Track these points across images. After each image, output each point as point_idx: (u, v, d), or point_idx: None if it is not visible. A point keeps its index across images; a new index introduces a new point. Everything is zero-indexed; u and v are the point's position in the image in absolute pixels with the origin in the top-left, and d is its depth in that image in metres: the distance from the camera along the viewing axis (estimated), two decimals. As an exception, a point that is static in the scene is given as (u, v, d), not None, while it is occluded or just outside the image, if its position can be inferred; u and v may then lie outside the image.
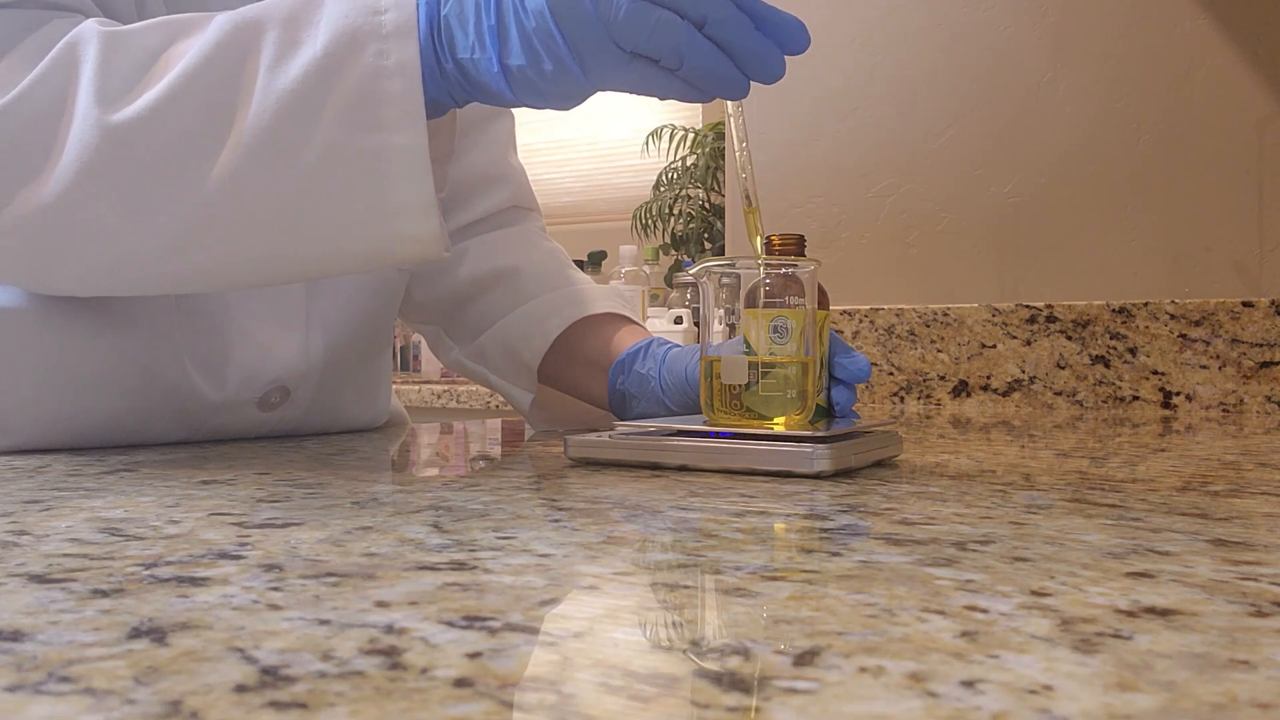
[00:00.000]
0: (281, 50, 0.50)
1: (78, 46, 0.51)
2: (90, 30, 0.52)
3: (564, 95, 0.50)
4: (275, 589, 0.26)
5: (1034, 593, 0.25)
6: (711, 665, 0.20)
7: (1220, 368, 1.20)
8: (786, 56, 0.50)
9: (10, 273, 0.57)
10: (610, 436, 0.54)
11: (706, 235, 2.28)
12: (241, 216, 0.51)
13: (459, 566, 0.28)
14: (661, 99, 0.50)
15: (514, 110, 0.90)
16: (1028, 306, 1.29)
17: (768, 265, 0.55)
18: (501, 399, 1.39)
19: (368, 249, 0.53)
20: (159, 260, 0.53)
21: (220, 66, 0.50)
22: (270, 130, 0.49)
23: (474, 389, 1.92)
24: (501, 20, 0.48)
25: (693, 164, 2.32)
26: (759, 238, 0.54)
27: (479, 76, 0.50)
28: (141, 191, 0.50)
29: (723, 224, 2.14)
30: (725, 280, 0.55)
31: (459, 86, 0.51)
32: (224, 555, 0.30)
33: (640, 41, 0.47)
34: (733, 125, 0.54)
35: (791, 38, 0.49)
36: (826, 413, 0.61)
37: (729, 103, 0.54)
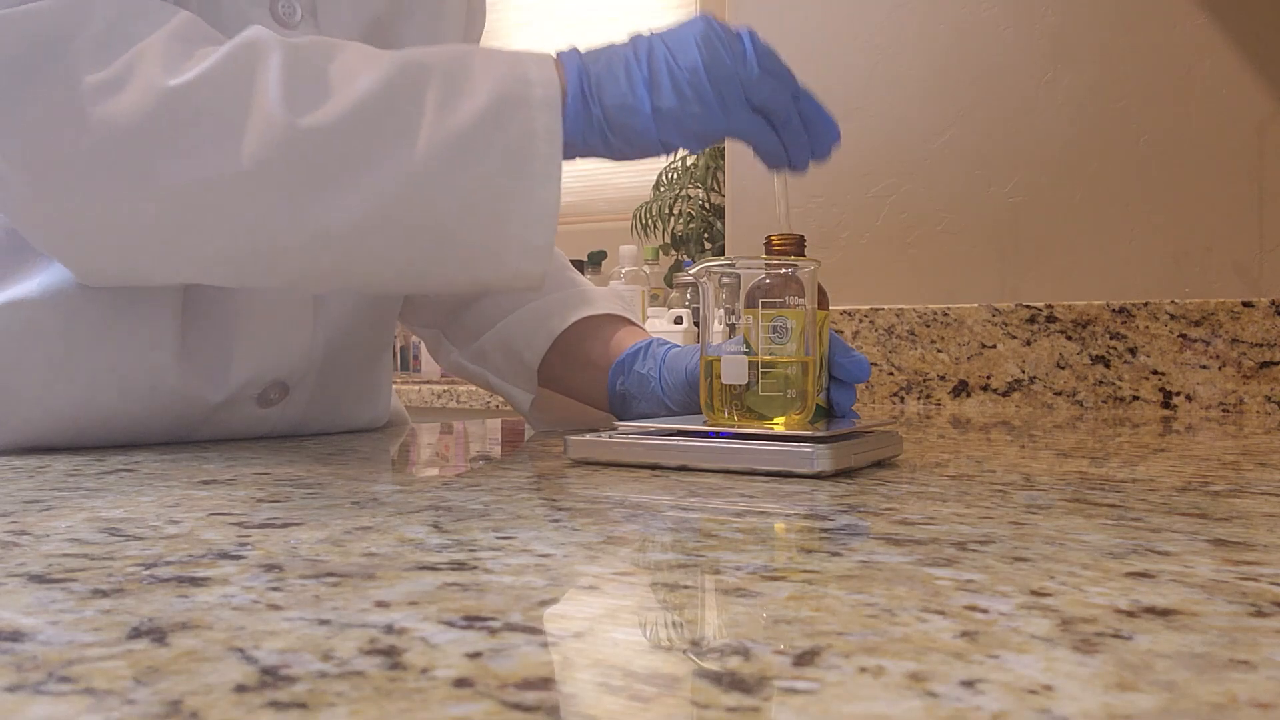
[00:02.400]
0: (446, 96, 0.56)
1: (258, 47, 0.54)
2: (270, 36, 0.55)
3: (701, 134, 0.58)
4: (275, 589, 0.26)
5: (1034, 593, 0.25)
6: (711, 665, 0.20)
7: (1220, 368, 1.20)
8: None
9: (144, 249, 0.57)
10: (610, 436, 0.54)
11: (706, 235, 2.28)
12: (392, 231, 0.56)
13: (459, 566, 0.28)
14: (758, 152, 0.60)
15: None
16: (1028, 306, 1.29)
17: (768, 265, 0.55)
18: (502, 399, 1.39)
19: (486, 276, 0.60)
20: (299, 257, 0.56)
21: (398, 95, 0.55)
22: (436, 161, 0.55)
23: (474, 389, 1.92)
24: (654, 74, 0.57)
25: (693, 164, 2.32)
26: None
27: (627, 118, 0.58)
28: (306, 194, 0.54)
29: (722, 224, 2.14)
30: (725, 280, 0.55)
31: (599, 129, 0.58)
32: (224, 555, 0.30)
33: (764, 97, 0.58)
34: (779, 195, 0.65)
35: (834, 131, 0.61)
36: (826, 413, 0.61)
37: (778, 175, 0.63)
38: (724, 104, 0.57)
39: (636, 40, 0.59)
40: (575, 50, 0.60)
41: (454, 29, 0.78)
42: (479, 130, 0.56)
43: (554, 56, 0.59)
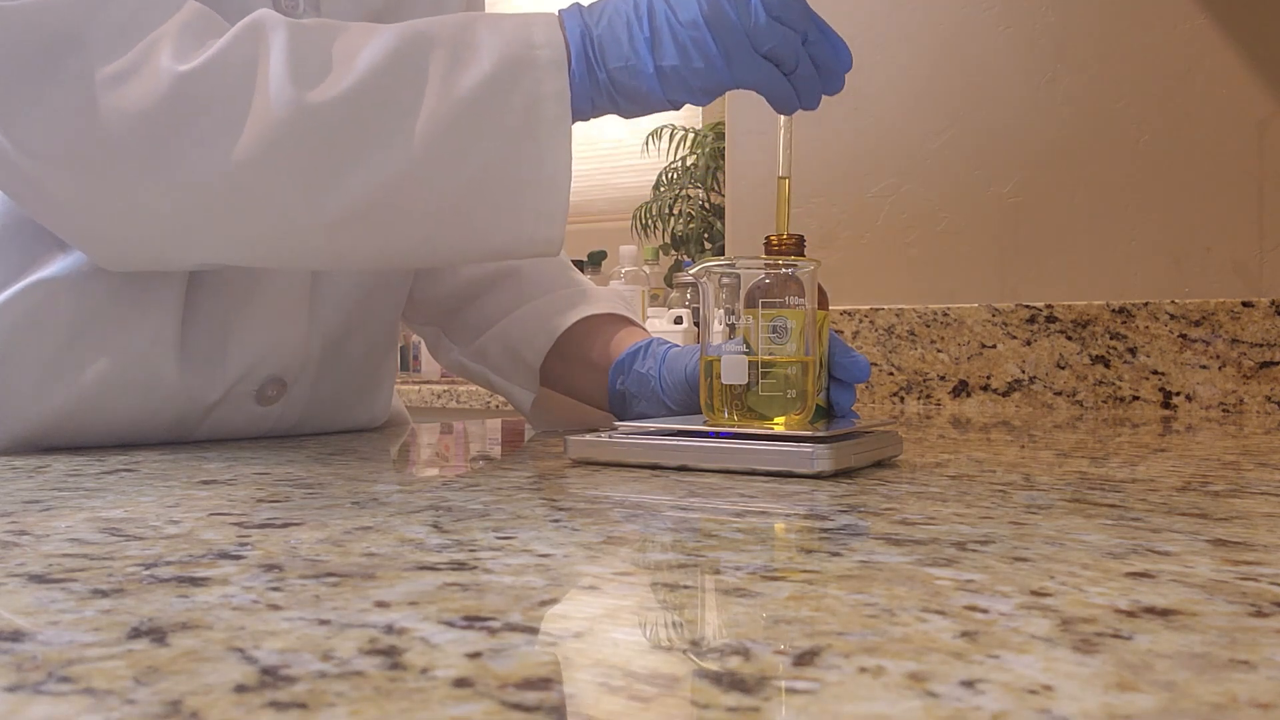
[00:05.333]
0: (451, 64, 0.56)
1: (262, 28, 0.55)
2: (274, 16, 0.56)
3: (706, 89, 0.58)
4: (275, 589, 0.26)
5: (1034, 593, 0.25)
6: (711, 665, 0.20)
7: (1220, 368, 1.20)
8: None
9: (168, 235, 0.57)
10: (610, 436, 0.54)
11: (706, 235, 2.28)
12: (406, 204, 0.56)
13: (459, 566, 0.28)
14: (770, 99, 0.59)
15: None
16: (1028, 306, 1.29)
17: (768, 265, 0.55)
18: (502, 399, 1.39)
19: (502, 245, 0.60)
20: (322, 236, 0.56)
21: (404, 65, 0.55)
22: (445, 130, 0.55)
23: (474, 389, 1.92)
24: (656, 33, 0.57)
25: (693, 164, 2.32)
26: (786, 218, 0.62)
27: (631, 80, 0.58)
28: (323, 170, 0.54)
29: (722, 224, 2.14)
30: (725, 280, 0.55)
31: (606, 93, 0.58)
32: (224, 555, 0.30)
33: (772, 45, 0.57)
34: (782, 131, 0.63)
35: (846, 56, 0.60)
36: (826, 413, 0.61)
37: (785, 120, 0.63)
38: (728, 57, 0.56)
39: None
40: (577, 7, 0.59)
41: None
42: (485, 96, 0.56)
43: (558, 15, 0.59)
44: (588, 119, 0.60)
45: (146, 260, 0.59)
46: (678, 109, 0.60)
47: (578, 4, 0.60)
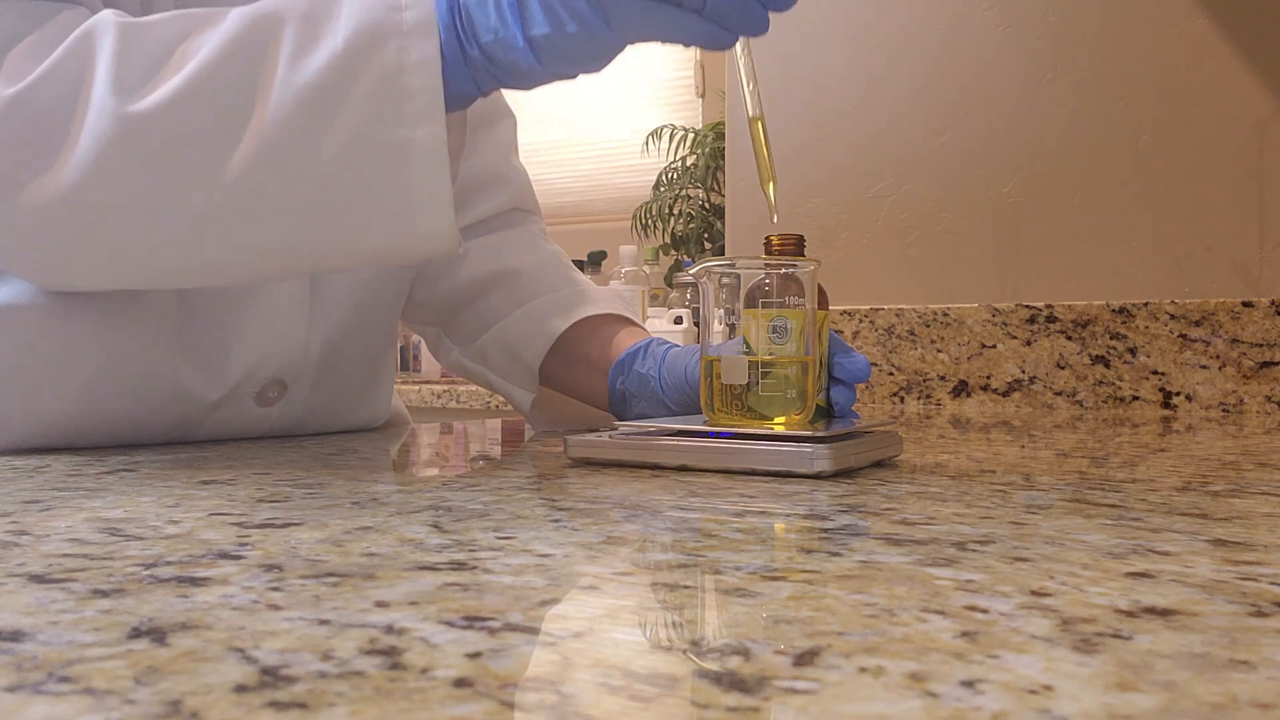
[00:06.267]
0: (301, 44, 0.50)
1: (93, 36, 0.51)
2: (106, 20, 0.52)
3: (592, 55, 0.50)
4: (275, 589, 0.26)
5: (1034, 593, 0.25)
6: (711, 665, 0.20)
7: (1220, 368, 1.20)
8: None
9: (23, 264, 0.57)
10: (610, 436, 0.54)
11: (706, 235, 2.28)
12: (259, 208, 0.51)
13: (459, 566, 0.28)
14: (687, 45, 0.50)
15: (513, 110, 0.90)
16: (1028, 306, 1.29)
17: (768, 265, 0.55)
18: (502, 399, 1.39)
19: (383, 244, 0.53)
20: (173, 252, 0.53)
21: (240, 58, 0.50)
22: (291, 122, 0.49)
23: (474, 389, 1.92)
24: None
25: (693, 164, 2.32)
26: (771, 186, 0.55)
27: (505, 55, 0.50)
28: (158, 182, 0.51)
29: (722, 224, 2.14)
30: (725, 280, 0.55)
31: (484, 72, 0.51)
32: (224, 555, 0.30)
33: None
34: (741, 65, 0.55)
35: None
36: (826, 413, 0.61)
37: (738, 44, 0.53)
38: (604, 12, 0.47)
39: None
40: None
41: None
42: (334, 75, 0.49)
43: None
44: (476, 98, 0.53)
45: (56, 284, 0.59)
46: (573, 79, 0.52)
47: None
